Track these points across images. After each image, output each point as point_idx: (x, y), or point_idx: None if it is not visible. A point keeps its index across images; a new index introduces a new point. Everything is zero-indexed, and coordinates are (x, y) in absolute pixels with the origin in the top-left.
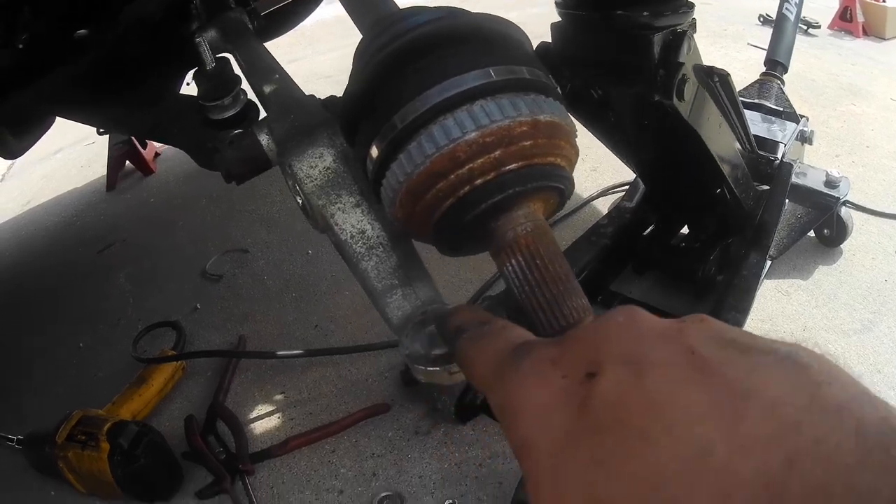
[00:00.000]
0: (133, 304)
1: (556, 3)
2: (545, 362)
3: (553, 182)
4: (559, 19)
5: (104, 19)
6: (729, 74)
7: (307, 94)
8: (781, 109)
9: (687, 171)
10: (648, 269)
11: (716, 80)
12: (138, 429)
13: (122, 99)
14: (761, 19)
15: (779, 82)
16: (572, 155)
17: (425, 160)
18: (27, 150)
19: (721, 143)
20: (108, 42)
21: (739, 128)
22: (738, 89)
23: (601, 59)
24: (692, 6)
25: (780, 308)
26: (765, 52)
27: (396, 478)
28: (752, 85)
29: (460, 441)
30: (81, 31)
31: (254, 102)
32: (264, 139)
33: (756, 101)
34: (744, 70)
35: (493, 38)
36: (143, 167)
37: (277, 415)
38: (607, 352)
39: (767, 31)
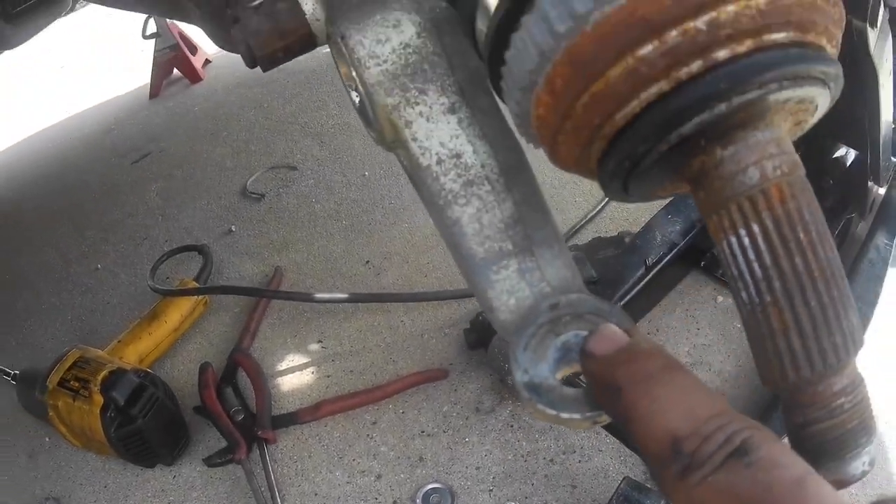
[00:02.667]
0: (161, 223)
1: None
2: None
3: (828, 86)
4: None
5: None
6: None
7: None
8: None
9: (826, 119)
10: None
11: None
12: (138, 380)
13: None
14: None
15: None
16: (840, 33)
17: None
18: (25, 40)
19: (886, 94)
20: None
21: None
22: None
23: None
24: None
25: None
26: None
27: (448, 466)
28: None
29: (529, 426)
30: None
31: None
32: (308, 4)
33: None
34: None
35: None
36: (191, 74)
37: (311, 369)
38: None
39: None
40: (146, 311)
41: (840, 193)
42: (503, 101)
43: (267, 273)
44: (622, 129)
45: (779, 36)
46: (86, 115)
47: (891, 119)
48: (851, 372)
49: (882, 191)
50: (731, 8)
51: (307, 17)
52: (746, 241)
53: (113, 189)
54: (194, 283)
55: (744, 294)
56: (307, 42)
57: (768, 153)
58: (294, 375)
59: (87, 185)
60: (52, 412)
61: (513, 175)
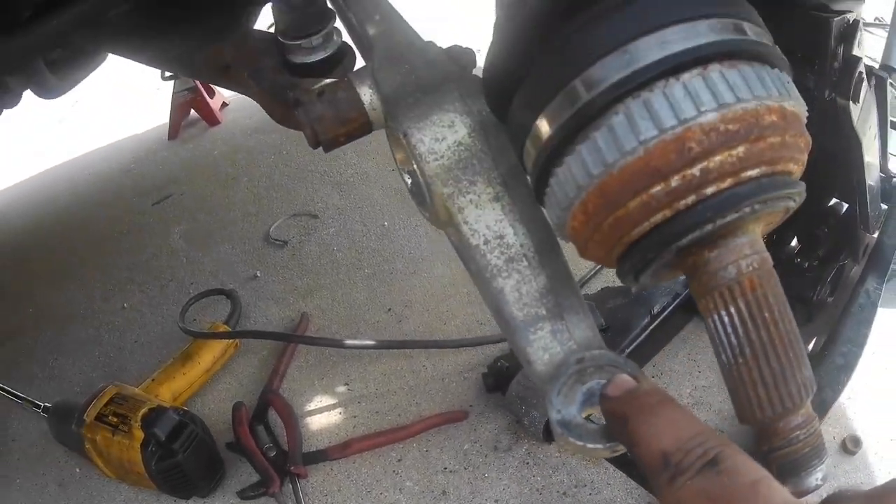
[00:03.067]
0: (185, 265)
1: None
2: None
3: (794, 198)
4: None
5: None
6: (888, 78)
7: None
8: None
9: (819, 176)
10: None
11: (872, 82)
12: (178, 418)
13: (182, 32)
14: (877, 21)
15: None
16: (805, 158)
17: (637, 147)
18: (69, 90)
19: (871, 154)
20: None
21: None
22: None
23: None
24: None
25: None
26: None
27: (469, 499)
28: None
29: (544, 463)
30: None
31: (350, 46)
32: (366, 94)
33: None
34: None
35: None
36: (209, 117)
37: (338, 410)
38: None
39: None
40: (175, 352)
41: (834, 240)
42: (543, 207)
43: (293, 318)
44: (636, 241)
45: (753, 172)
46: (102, 153)
47: (877, 171)
48: (805, 412)
49: (874, 237)
50: (717, 158)
51: (365, 106)
52: (726, 319)
53: (135, 229)
54: (225, 326)
55: (723, 356)
56: (365, 128)
57: (743, 254)
58: (322, 415)
59: (108, 223)
60: (89, 444)
61: (546, 253)
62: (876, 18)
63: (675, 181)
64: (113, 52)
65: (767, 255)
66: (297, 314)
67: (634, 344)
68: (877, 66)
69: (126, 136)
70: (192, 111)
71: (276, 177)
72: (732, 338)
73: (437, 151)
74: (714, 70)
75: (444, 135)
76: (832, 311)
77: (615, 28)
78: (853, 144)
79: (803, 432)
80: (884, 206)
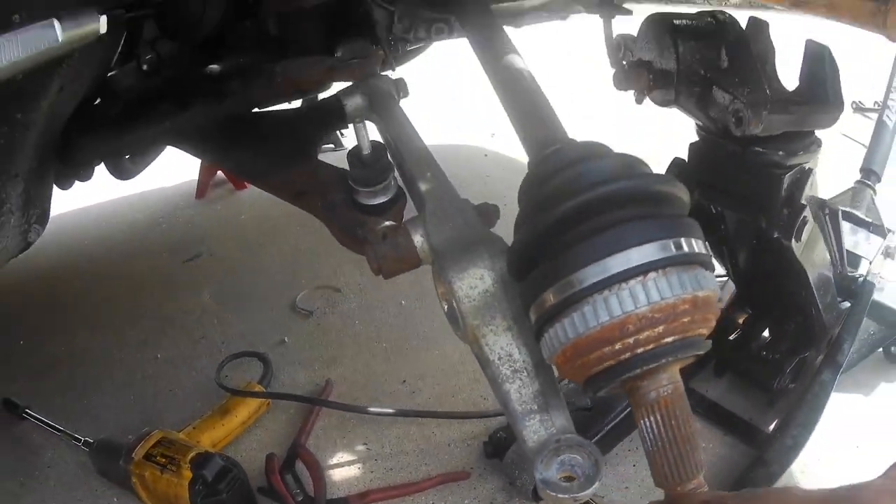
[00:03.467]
0: (217, 325)
1: (697, 126)
2: None
3: (699, 350)
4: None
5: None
6: (839, 211)
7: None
8: (870, 221)
9: (778, 287)
10: (727, 371)
11: (826, 212)
12: (223, 463)
13: (258, 150)
14: (854, 106)
15: (872, 192)
16: (714, 320)
17: (597, 325)
18: (142, 171)
19: (820, 271)
20: (252, 94)
21: (836, 251)
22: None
23: (730, 187)
24: (820, 143)
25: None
26: (857, 144)
27: None
28: (845, 192)
29: None
30: (214, 67)
31: (402, 190)
32: (418, 240)
33: (848, 209)
34: (839, 165)
35: (662, 199)
36: (235, 181)
37: (357, 465)
38: None
39: (861, 120)
40: (208, 405)
41: (798, 335)
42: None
43: (317, 382)
44: (594, 375)
45: (668, 339)
46: (130, 202)
47: (831, 283)
48: (697, 481)
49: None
50: (645, 333)
51: (417, 250)
52: (649, 423)
53: (166, 283)
54: (260, 386)
55: (646, 444)
56: (416, 265)
57: (662, 384)
58: (343, 469)
59: (140, 274)
60: (136, 479)
61: (539, 368)
62: (853, 103)
63: (618, 345)
64: (194, 156)
65: (680, 383)
66: (322, 379)
67: (615, 422)
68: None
69: (152, 187)
70: (219, 172)
71: (302, 249)
72: (652, 434)
73: (471, 296)
74: (650, 278)
75: (476, 285)
76: (792, 396)
77: (596, 247)
78: (798, 270)
79: (697, 494)
80: (846, 304)
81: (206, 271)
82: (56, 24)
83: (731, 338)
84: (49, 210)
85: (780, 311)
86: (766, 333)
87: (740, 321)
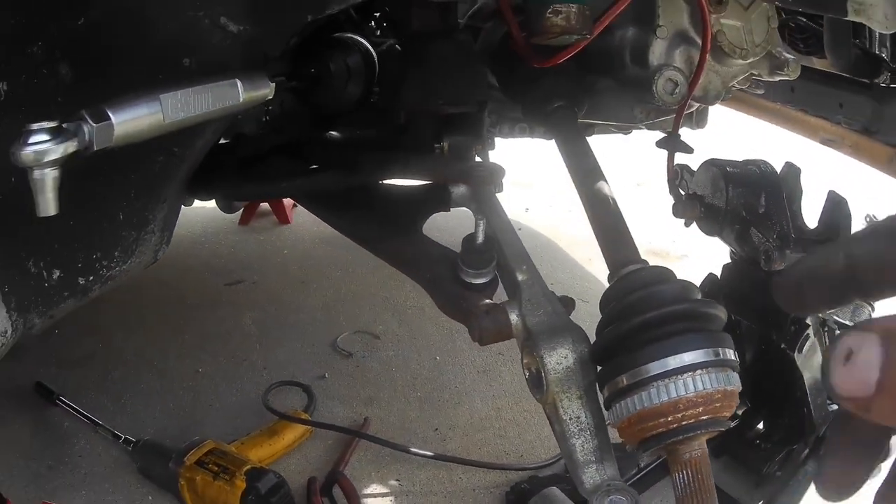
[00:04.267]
0: (259, 351)
1: (731, 252)
2: None
3: (722, 427)
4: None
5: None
6: (836, 329)
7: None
8: None
9: (777, 387)
10: (724, 453)
11: (825, 329)
12: (276, 479)
13: (366, 218)
14: (867, 219)
15: (870, 308)
16: (734, 408)
17: (658, 402)
18: (240, 209)
19: (815, 377)
20: (384, 174)
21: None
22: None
23: (750, 303)
24: None
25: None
26: None
27: None
28: (846, 308)
29: None
30: (335, 134)
31: (496, 276)
32: (514, 319)
33: (846, 322)
34: None
35: (707, 318)
36: (280, 214)
37: (390, 499)
38: None
39: None
40: (250, 425)
41: (790, 429)
42: (606, 411)
43: (355, 418)
44: (647, 438)
45: (704, 417)
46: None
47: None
48: None
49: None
50: (689, 411)
51: (513, 327)
52: (681, 476)
53: (208, 303)
54: (305, 414)
55: (677, 491)
56: (509, 338)
57: (693, 449)
58: (376, 500)
59: (181, 288)
60: (184, 482)
61: (599, 429)
62: (867, 216)
63: (670, 418)
64: (306, 208)
65: (706, 449)
66: (359, 415)
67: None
68: None
69: (196, 206)
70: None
71: (342, 292)
72: (682, 484)
73: (556, 370)
74: (697, 374)
75: (561, 362)
76: (777, 481)
77: (660, 350)
78: (797, 376)
79: None
80: (835, 407)
81: (249, 297)
82: (239, 84)
83: (731, 425)
84: (173, 232)
85: (776, 407)
86: (761, 425)
87: (740, 412)
